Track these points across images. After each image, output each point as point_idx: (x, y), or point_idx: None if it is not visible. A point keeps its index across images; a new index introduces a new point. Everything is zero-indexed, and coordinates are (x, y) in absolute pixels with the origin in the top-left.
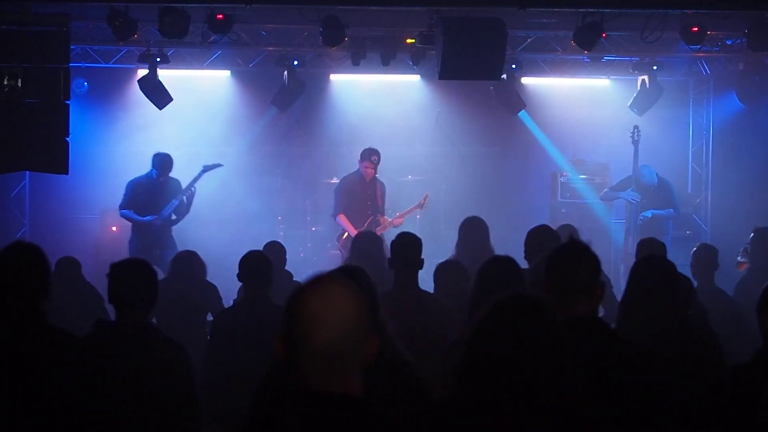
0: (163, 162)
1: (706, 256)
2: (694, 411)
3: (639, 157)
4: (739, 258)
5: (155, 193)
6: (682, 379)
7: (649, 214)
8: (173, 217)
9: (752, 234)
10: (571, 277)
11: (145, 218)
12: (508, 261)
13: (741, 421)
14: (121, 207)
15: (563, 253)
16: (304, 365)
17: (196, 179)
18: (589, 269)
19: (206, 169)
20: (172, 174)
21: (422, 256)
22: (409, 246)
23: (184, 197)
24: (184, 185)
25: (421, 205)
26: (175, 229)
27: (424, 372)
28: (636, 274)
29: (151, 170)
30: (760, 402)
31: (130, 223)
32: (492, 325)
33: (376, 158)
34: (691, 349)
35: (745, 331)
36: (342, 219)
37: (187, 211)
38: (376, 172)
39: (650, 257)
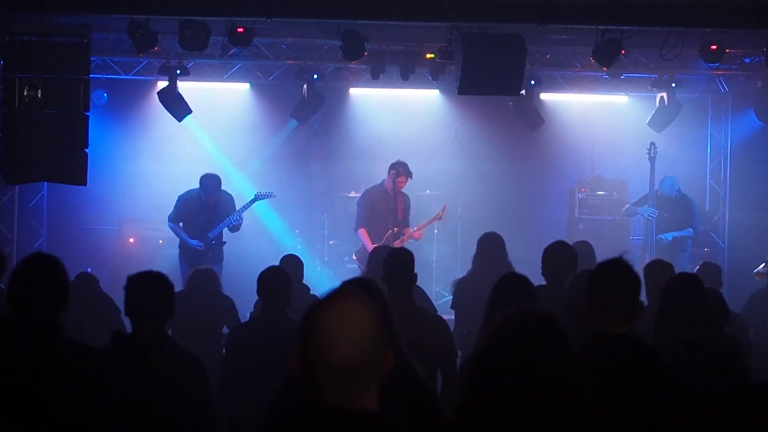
0: (206, 185)
1: (710, 275)
2: (719, 427)
3: (656, 174)
4: (760, 268)
5: (205, 210)
6: (707, 393)
7: (669, 236)
8: (213, 242)
9: None
10: (614, 295)
11: (192, 242)
12: (521, 278)
13: None
14: (170, 219)
15: (608, 272)
16: (320, 380)
17: (245, 207)
18: (632, 289)
19: (258, 197)
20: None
21: (415, 271)
22: (401, 261)
23: (231, 223)
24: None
25: (439, 217)
26: None
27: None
28: (668, 291)
29: (200, 190)
30: None
31: (147, 235)
32: (501, 340)
33: (402, 170)
34: (717, 362)
35: (751, 347)
36: (362, 233)
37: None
38: (403, 183)
39: (681, 275)
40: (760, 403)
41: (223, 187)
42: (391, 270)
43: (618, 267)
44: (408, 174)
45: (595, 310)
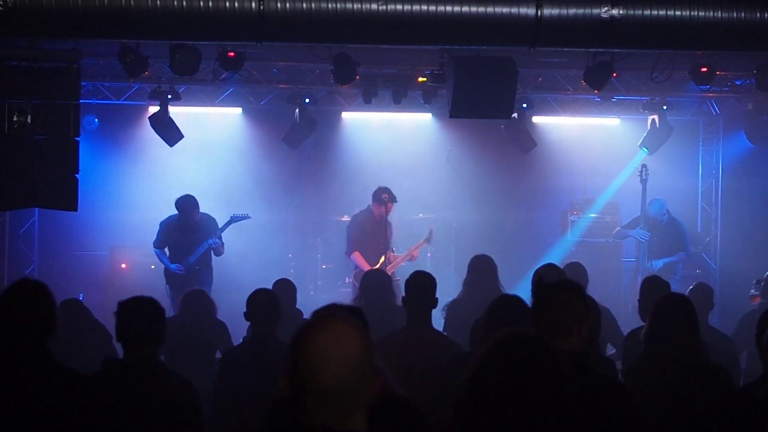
0: (182, 205)
1: (702, 296)
2: None
3: (648, 196)
4: (752, 291)
5: (185, 234)
6: (699, 408)
7: (660, 263)
8: (197, 267)
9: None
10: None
11: (171, 266)
12: (516, 300)
13: None
14: (155, 245)
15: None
16: (309, 402)
17: (222, 230)
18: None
19: (233, 219)
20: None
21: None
22: (423, 285)
23: (211, 246)
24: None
25: (428, 240)
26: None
27: (435, 411)
28: (659, 311)
29: (179, 214)
30: None
31: (139, 261)
32: (493, 362)
33: (387, 196)
34: (707, 380)
35: (739, 371)
36: (357, 256)
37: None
38: (390, 209)
39: (672, 295)
40: (748, 419)
41: (213, 212)
42: (412, 293)
43: (559, 287)
44: (376, 199)
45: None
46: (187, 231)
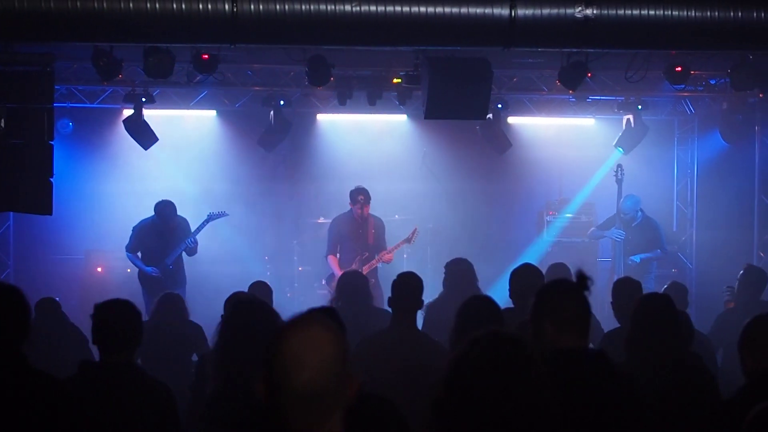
0: (161, 211)
1: (677, 295)
2: None
3: (622, 196)
4: (726, 298)
5: (162, 237)
6: (679, 409)
7: (637, 259)
8: (171, 267)
9: (742, 271)
10: (572, 313)
11: (147, 269)
12: (486, 300)
13: None
14: (127, 249)
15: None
16: (285, 405)
17: (199, 229)
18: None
19: (211, 217)
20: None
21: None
22: (410, 286)
23: (188, 245)
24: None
25: (409, 240)
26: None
27: (419, 412)
28: (639, 311)
29: (155, 218)
30: None
31: (115, 265)
32: (469, 362)
33: (363, 198)
34: (689, 381)
35: (717, 369)
36: (331, 260)
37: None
38: (366, 210)
39: (652, 295)
40: (730, 418)
41: (189, 215)
42: (399, 294)
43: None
44: (368, 196)
45: (557, 326)
46: (163, 234)
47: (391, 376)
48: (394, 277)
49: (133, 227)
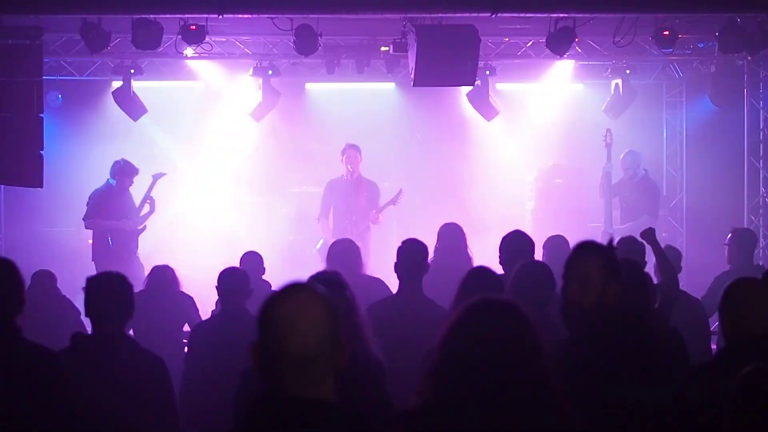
0: (119, 169)
1: (672, 258)
2: (658, 408)
3: (612, 160)
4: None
5: (122, 203)
6: (643, 373)
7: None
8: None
9: (730, 235)
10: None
11: (128, 224)
12: (487, 271)
13: (703, 421)
14: (86, 218)
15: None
16: (278, 371)
17: (150, 188)
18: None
19: (156, 177)
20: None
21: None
22: (416, 252)
23: (148, 206)
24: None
25: (394, 202)
26: (160, 242)
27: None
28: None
29: (109, 179)
30: (723, 405)
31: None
32: (463, 328)
33: (347, 155)
34: (653, 343)
35: (708, 332)
36: (322, 224)
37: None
38: (355, 170)
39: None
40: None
41: (176, 185)
42: (405, 260)
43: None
44: (356, 149)
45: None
46: (121, 198)
47: (400, 342)
48: (396, 244)
49: (91, 194)
